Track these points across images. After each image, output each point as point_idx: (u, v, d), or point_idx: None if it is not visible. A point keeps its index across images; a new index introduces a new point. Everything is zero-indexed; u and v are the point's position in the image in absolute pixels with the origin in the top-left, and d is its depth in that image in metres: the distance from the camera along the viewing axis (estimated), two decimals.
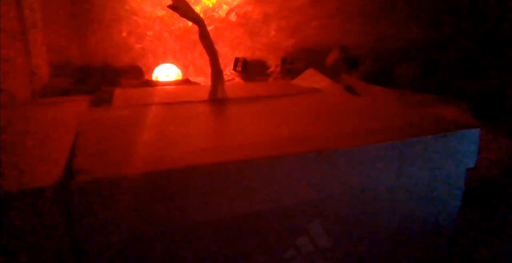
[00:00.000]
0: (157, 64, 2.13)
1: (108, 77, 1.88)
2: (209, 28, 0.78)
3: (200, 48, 0.81)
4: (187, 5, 0.75)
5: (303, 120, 0.65)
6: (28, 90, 1.54)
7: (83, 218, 0.38)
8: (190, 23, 0.96)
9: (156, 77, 2.05)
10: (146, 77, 2.06)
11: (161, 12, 2.13)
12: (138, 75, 2.02)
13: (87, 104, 0.76)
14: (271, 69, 2.11)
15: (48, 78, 1.83)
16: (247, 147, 0.48)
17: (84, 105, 0.75)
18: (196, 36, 0.78)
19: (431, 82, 1.44)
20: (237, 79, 2.07)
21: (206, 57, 0.77)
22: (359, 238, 0.56)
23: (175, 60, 2.20)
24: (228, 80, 1.99)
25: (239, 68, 2.13)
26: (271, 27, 2.27)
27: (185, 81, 1.97)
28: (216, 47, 0.78)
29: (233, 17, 2.24)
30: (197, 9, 2.14)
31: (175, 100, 0.81)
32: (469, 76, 1.39)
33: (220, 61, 0.78)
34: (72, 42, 2.01)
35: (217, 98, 0.79)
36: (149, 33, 2.16)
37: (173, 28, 2.19)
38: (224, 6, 2.22)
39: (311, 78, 1.05)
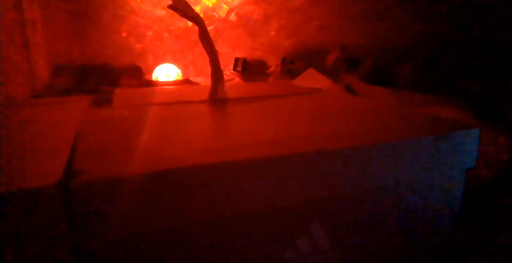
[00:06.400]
0: (157, 64, 2.13)
1: (108, 77, 1.88)
2: (209, 28, 0.78)
3: (200, 48, 0.81)
4: (187, 5, 0.75)
5: (303, 120, 0.65)
6: (28, 90, 1.54)
7: (83, 218, 0.38)
8: (190, 23, 0.97)
9: (156, 77, 2.05)
10: (146, 77, 2.06)
11: (161, 12, 2.13)
12: (138, 75, 2.02)
13: (87, 104, 0.76)
14: (271, 69, 2.11)
15: (48, 78, 1.83)
16: (247, 147, 0.48)
17: (84, 105, 0.75)
18: (196, 36, 0.78)
19: (432, 82, 1.44)
20: (237, 79, 2.07)
21: (206, 57, 0.77)
22: (358, 238, 0.56)
23: (175, 60, 2.20)
24: (228, 80, 1.99)
25: (239, 68, 2.14)
26: (271, 27, 2.27)
27: (185, 81, 1.97)
28: (216, 47, 0.78)
29: (233, 17, 2.24)
30: (197, 9, 2.14)
31: (175, 100, 0.81)
32: (469, 76, 1.39)
33: (220, 61, 0.78)
34: (72, 42, 2.01)
35: (217, 98, 0.79)
36: (149, 33, 2.16)
37: (173, 28, 2.19)
38: (224, 6, 2.22)
39: (311, 78, 1.05)
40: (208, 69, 0.79)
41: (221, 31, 2.24)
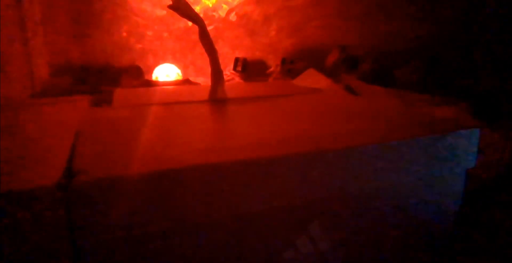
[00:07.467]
0: (157, 64, 2.12)
1: (108, 77, 1.88)
2: (209, 28, 0.78)
3: (200, 48, 0.81)
4: (187, 5, 0.75)
5: (303, 120, 0.65)
6: (28, 90, 1.54)
7: (83, 218, 0.38)
8: (190, 23, 0.96)
9: (156, 77, 2.04)
10: (146, 77, 2.06)
11: (161, 12, 2.13)
12: (138, 75, 2.02)
13: (87, 104, 0.76)
14: (271, 69, 2.11)
15: (48, 78, 1.83)
16: (247, 147, 0.48)
17: (84, 105, 0.75)
18: (196, 36, 0.78)
19: (432, 82, 1.44)
20: (237, 79, 2.07)
21: (206, 57, 0.77)
22: (358, 238, 0.56)
23: (175, 60, 2.20)
24: (228, 80, 1.99)
25: (239, 68, 2.13)
26: (271, 27, 2.27)
27: (185, 81, 1.97)
28: (216, 47, 0.78)
29: (233, 17, 2.24)
30: (197, 9, 2.14)
31: (175, 100, 0.81)
32: (469, 76, 1.39)
33: (220, 61, 0.78)
34: (72, 42, 2.01)
35: (217, 98, 0.79)
36: (149, 33, 2.16)
37: (173, 28, 2.18)
38: (224, 6, 2.22)
39: (311, 78, 1.05)
40: (208, 69, 0.79)
41: (221, 31, 2.24)
